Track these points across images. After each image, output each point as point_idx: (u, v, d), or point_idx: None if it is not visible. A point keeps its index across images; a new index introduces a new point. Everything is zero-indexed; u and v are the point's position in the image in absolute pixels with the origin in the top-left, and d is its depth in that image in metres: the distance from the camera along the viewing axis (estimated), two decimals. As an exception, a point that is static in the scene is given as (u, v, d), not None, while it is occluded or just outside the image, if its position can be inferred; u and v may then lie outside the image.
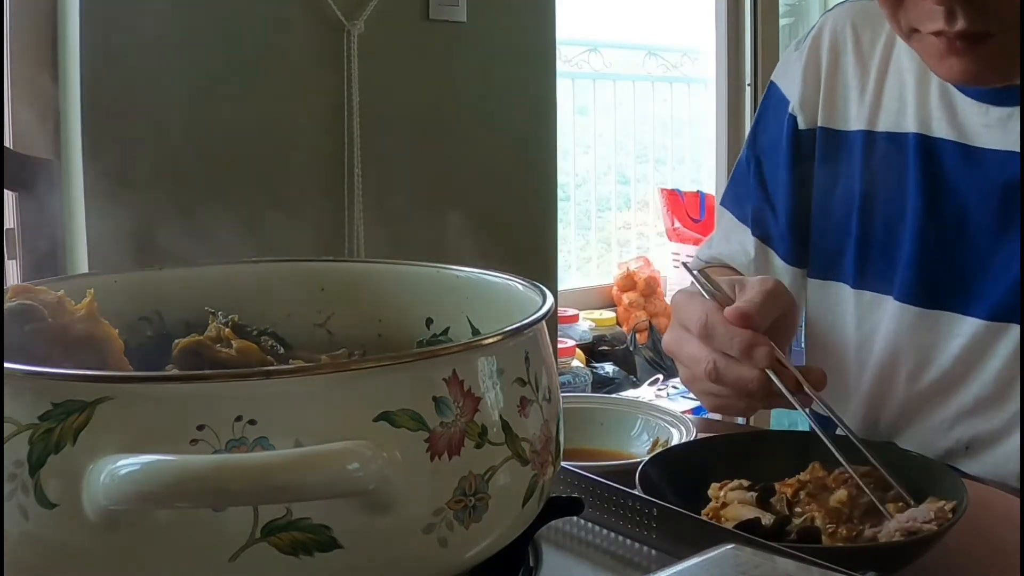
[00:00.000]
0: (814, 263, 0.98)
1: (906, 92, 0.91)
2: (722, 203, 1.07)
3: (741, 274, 1.00)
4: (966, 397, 0.87)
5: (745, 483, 0.69)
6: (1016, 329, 0.84)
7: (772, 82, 1.03)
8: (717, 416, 2.60)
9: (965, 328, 0.86)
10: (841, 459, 0.69)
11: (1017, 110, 0.83)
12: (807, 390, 0.74)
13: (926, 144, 0.89)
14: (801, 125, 0.98)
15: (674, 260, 3.42)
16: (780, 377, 0.73)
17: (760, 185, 1.01)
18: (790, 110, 0.98)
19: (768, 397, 0.76)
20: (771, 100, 1.02)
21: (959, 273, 0.87)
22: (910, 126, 0.90)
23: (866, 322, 0.93)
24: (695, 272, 0.79)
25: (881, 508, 0.66)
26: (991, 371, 0.85)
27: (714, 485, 0.70)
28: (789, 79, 1.00)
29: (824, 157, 0.96)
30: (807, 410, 0.73)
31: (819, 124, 0.97)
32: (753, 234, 1.02)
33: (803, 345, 1.03)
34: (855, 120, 0.95)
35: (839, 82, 0.96)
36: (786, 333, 0.78)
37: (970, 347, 0.86)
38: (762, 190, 1.01)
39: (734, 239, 1.04)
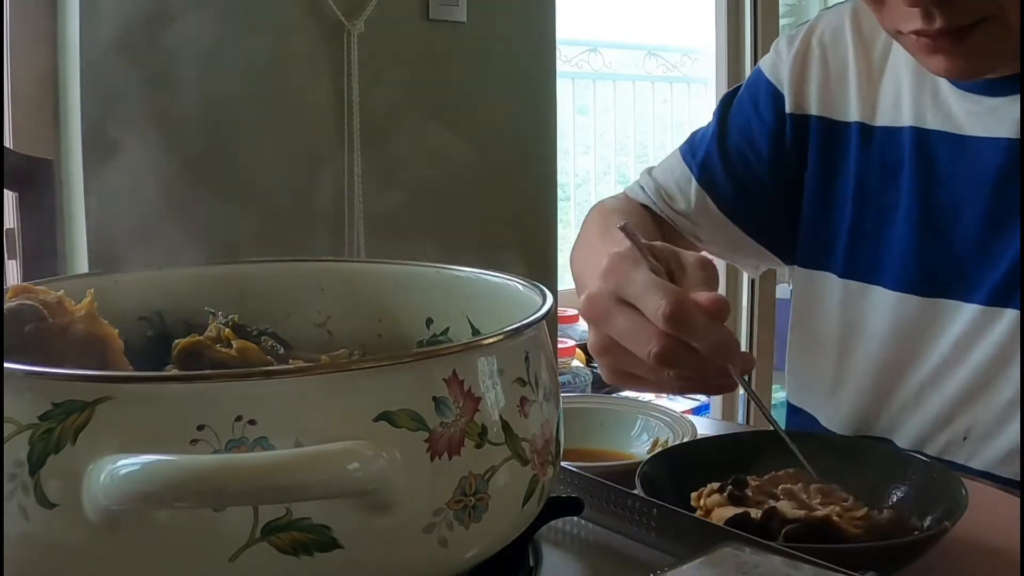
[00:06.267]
0: (804, 253, 0.99)
1: (902, 87, 0.92)
2: (677, 150, 1.10)
3: (658, 218, 1.06)
4: (961, 385, 0.87)
5: (715, 485, 0.68)
6: (1009, 314, 0.84)
7: (758, 67, 1.04)
8: (717, 416, 2.59)
9: (963, 315, 0.86)
10: (807, 465, 0.70)
11: (1007, 99, 0.83)
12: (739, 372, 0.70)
13: (921, 136, 0.90)
14: (788, 108, 0.99)
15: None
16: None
17: (720, 147, 1.04)
18: (780, 89, 1.00)
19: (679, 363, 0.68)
20: (756, 81, 1.04)
21: (956, 261, 0.87)
22: (906, 120, 0.91)
23: (851, 311, 0.93)
24: (640, 239, 0.73)
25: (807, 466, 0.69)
26: (984, 357, 0.85)
27: (693, 495, 0.68)
28: (778, 67, 1.01)
29: (820, 146, 0.97)
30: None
31: (814, 113, 0.98)
32: (697, 179, 1.04)
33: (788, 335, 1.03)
34: (853, 111, 0.95)
35: (838, 72, 0.97)
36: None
37: (965, 333, 0.86)
38: (721, 149, 1.04)
39: (676, 172, 1.06)
